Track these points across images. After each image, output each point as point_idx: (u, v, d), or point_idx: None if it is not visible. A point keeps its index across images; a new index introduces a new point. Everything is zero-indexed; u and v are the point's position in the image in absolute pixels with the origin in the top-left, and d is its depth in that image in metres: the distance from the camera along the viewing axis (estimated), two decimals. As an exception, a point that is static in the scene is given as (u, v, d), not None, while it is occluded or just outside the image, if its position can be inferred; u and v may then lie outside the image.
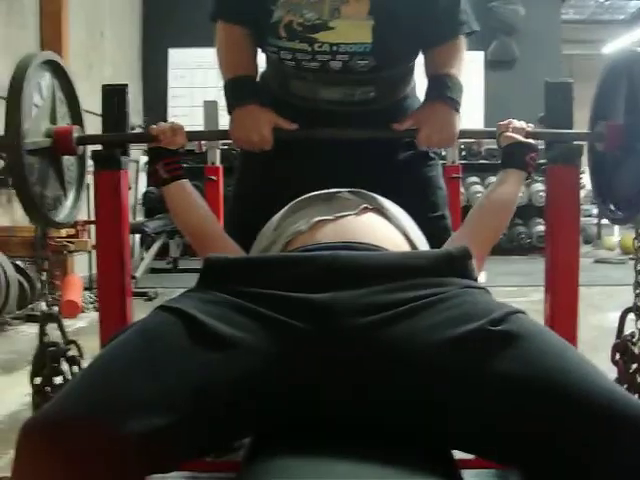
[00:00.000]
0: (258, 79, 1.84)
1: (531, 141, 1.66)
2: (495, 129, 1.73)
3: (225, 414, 1.00)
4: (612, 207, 1.81)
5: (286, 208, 1.47)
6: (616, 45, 13.64)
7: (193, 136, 1.82)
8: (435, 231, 1.69)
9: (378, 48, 1.65)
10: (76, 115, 1.83)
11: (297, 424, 1.05)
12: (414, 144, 1.79)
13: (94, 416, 0.89)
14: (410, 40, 1.74)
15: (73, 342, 1.85)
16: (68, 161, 1.77)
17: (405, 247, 1.36)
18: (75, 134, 1.69)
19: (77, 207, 1.83)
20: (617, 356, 1.85)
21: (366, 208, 1.39)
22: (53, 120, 1.69)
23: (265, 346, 1.02)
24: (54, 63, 1.70)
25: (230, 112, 1.75)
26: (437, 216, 1.86)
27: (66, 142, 1.67)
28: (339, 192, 1.46)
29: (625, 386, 1.74)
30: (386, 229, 1.37)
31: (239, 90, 1.75)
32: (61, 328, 1.89)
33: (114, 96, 1.79)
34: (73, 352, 1.83)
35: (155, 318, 1.09)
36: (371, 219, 1.38)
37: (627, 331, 1.83)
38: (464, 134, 1.78)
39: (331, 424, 1.03)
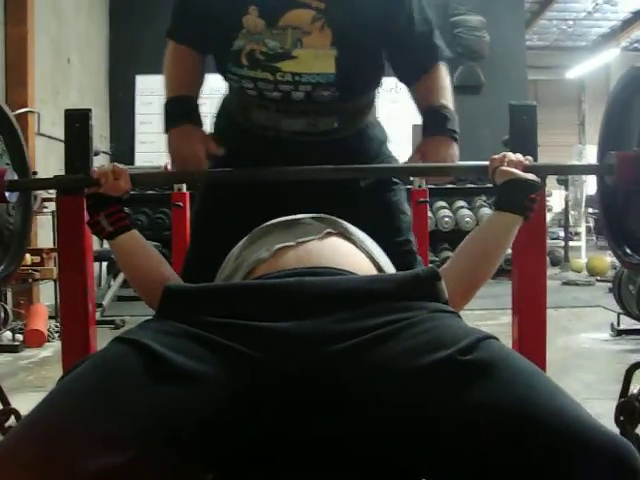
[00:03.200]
0: (219, 103, 1.86)
1: (532, 177, 1.47)
2: (487, 163, 1.56)
3: (185, 450, 0.95)
4: (627, 250, 1.64)
5: (247, 237, 1.42)
6: (579, 70, 13.90)
7: (138, 180, 1.61)
8: (400, 255, 1.67)
9: (341, 79, 1.64)
10: (17, 155, 1.66)
11: (261, 458, 1.01)
12: None
13: (48, 454, 0.86)
14: (373, 71, 1.76)
15: (13, 411, 1.68)
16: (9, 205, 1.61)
17: (372, 271, 1.33)
18: (7, 177, 1.51)
19: (19, 258, 1.67)
20: (621, 417, 1.62)
21: (329, 233, 1.35)
22: None
23: (225, 379, 0.99)
24: None
25: (166, 132, 1.76)
26: (402, 241, 1.83)
27: None
28: (301, 218, 1.42)
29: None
30: (351, 253, 1.33)
31: (176, 110, 1.75)
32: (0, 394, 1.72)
33: (77, 121, 1.73)
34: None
35: (111, 351, 1.05)
36: (335, 243, 1.34)
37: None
38: (453, 171, 1.69)
39: (296, 457, 1.00)
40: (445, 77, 1.79)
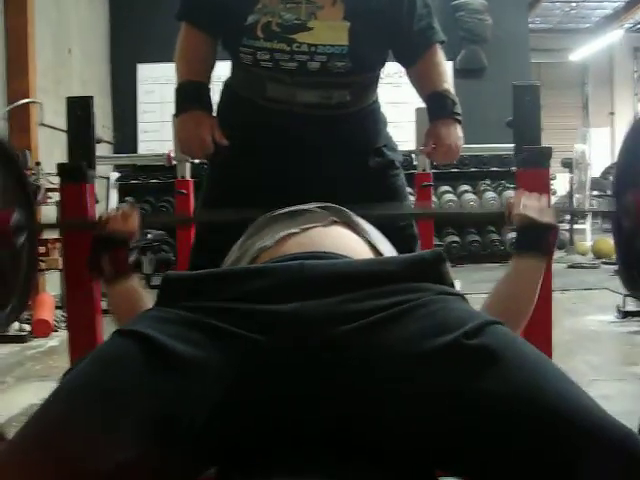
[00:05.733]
0: (223, 86, 1.87)
1: (551, 221, 1.41)
2: (503, 210, 1.49)
3: (191, 442, 0.94)
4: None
5: (251, 226, 1.40)
6: (582, 53, 13.83)
7: (148, 223, 1.54)
8: (403, 239, 1.70)
9: (354, 50, 1.69)
10: (20, 193, 1.51)
11: (267, 447, 0.99)
12: (381, 153, 1.85)
13: (54, 455, 0.86)
14: (381, 46, 1.80)
15: None
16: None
17: None
18: (15, 218, 1.38)
19: (25, 300, 1.59)
20: None
21: (334, 221, 1.34)
22: None
23: (228, 365, 0.97)
24: None
25: (176, 117, 1.80)
26: (405, 225, 1.87)
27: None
28: (306, 207, 1.39)
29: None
30: (355, 241, 1.31)
31: (187, 95, 1.78)
32: None
33: (79, 108, 1.75)
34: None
35: (112, 345, 1.03)
36: (339, 231, 1.32)
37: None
38: (471, 217, 1.63)
39: (303, 444, 0.98)
40: (443, 60, 1.87)
